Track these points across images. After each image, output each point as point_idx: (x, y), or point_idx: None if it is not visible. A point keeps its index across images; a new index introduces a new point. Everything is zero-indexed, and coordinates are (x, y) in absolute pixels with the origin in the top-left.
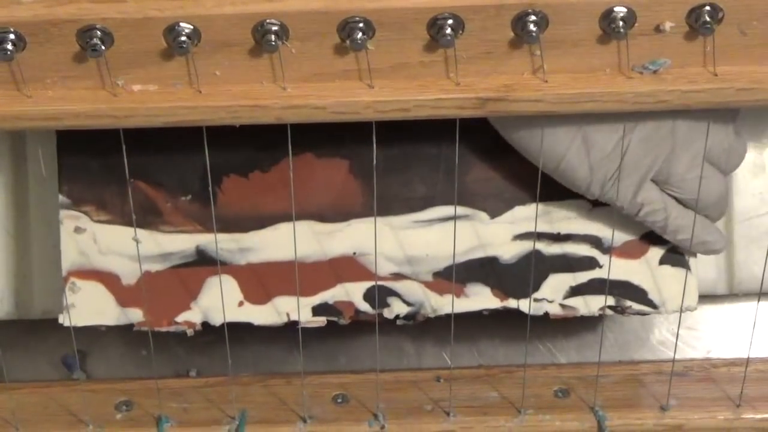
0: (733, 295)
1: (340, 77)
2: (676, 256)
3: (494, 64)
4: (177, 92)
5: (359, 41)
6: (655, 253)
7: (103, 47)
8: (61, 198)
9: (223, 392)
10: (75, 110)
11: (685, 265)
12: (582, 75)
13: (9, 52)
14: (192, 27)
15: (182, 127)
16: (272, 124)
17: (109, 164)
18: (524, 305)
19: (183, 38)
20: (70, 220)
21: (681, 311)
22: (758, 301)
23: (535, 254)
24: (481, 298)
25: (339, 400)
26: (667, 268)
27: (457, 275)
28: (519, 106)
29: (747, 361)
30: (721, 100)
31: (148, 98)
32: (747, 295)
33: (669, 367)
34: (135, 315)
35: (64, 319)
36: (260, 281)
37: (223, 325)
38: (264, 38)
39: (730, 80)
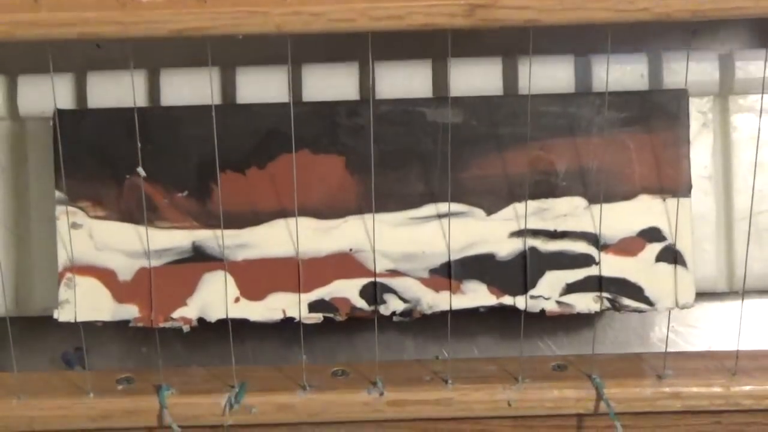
0: (733, 292)
1: None
2: (673, 253)
3: None
4: (183, 2)
5: None
6: (652, 250)
7: None
8: (58, 194)
9: (225, 370)
10: (85, 17)
11: (682, 262)
12: None
13: None
14: None
15: (179, 122)
16: (269, 117)
17: (105, 160)
18: (520, 302)
19: None
20: (66, 216)
21: (678, 308)
22: (742, 300)
23: (532, 251)
24: (477, 295)
25: (339, 374)
26: (664, 266)
27: (453, 272)
28: (506, 13)
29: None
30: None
31: (155, 6)
32: (747, 292)
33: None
34: (131, 311)
35: (59, 315)
36: (256, 277)
37: (219, 321)
38: None
39: None
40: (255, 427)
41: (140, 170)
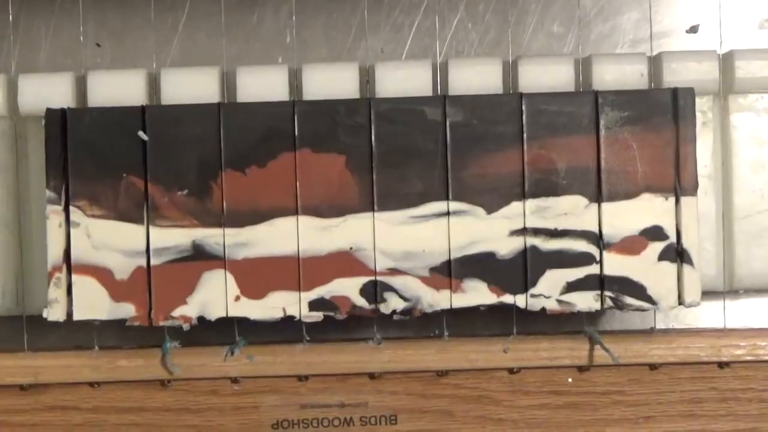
0: (733, 291)
1: None
2: (676, 251)
3: None
4: None
5: None
6: (654, 248)
7: None
8: (48, 193)
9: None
10: None
11: (689, 261)
12: None
13: None
14: None
15: (180, 121)
16: (270, 116)
17: (103, 159)
18: (521, 301)
19: None
20: (56, 215)
21: (685, 306)
22: (724, 301)
23: (532, 250)
24: (477, 294)
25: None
26: (666, 264)
27: (453, 271)
28: None
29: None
30: None
31: None
32: (747, 291)
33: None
34: (128, 310)
35: (48, 314)
36: (257, 276)
37: (219, 320)
38: None
39: None
40: (259, 380)
41: (141, 134)
